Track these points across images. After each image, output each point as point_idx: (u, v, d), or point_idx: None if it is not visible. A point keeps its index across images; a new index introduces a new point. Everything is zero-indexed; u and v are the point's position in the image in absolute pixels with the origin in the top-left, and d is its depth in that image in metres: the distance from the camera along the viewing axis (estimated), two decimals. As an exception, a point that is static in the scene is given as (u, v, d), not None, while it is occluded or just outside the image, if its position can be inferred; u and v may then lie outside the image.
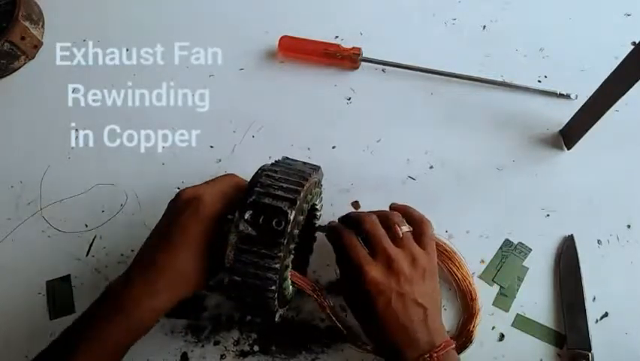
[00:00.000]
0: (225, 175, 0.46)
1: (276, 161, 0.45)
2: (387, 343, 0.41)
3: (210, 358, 0.50)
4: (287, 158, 0.46)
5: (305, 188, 0.41)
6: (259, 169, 0.44)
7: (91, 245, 0.55)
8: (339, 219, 0.48)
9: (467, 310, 0.50)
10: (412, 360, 0.39)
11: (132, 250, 0.54)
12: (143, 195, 0.57)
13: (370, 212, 0.46)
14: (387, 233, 0.44)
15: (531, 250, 0.53)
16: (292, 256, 0.42)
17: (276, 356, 0.50)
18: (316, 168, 0.46)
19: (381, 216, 0.45)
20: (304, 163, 0.46)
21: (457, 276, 0.51)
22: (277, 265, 0.39)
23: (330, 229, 0.47)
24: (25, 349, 0.51)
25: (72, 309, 0.53)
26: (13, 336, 0.52)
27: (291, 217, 0.39)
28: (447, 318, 0.50)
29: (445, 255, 0.51)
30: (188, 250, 0.40)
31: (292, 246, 0.42)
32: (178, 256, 0.40)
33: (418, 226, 0.46)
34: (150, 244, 0.42)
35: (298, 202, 0.39)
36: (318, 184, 0.48)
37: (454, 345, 0.41)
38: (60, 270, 0.54)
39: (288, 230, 0.39)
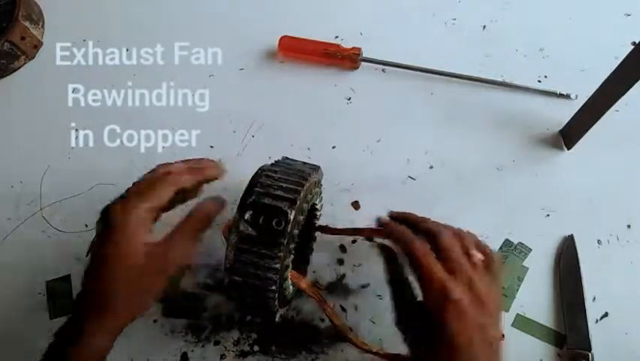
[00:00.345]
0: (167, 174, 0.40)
1: (275, 161, 0.45)
2: None
3: (210, 358, 0.50)
4: (287, 158, 0.46)
5: (305, 188, 0.41)
6: (259, 169, 0.44)
7: (91, 245, 0.55)
8: (393, 216, 0.43)
9: None
10: None
11: (132, 250, 0.54)
12: (143, 195, 0.57)
13: (445, 226, 0.41)
14: None
15: (531, 250, 0.53)
16: (292, 256, 0.42)
17: (276, 356, 0.50)
18: (316, 168, 0.46)
19: (456, 235, 0.40)
20: (304, 163, 0.46)
21: None
22: (277, 265, 0.39)
23: (394, 232, 0.40)
24: (25, 349, 0.51)
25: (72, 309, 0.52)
26: (13, 336, 0.52)
27: (291, 217, 0.39)
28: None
29: None
30: (116, 273, 0.37)
31: (292, 246, 0.42)
32: (104, 283, 0.37)
33: (487, 254, 0.40)
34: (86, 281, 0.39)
35: (298, 202, 0.39)
36: (318, 184, 0.48)
37: None
38: (60, 270, 0.54)
39: (288, 230, 0.39)
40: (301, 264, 0.51)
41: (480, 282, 0.36)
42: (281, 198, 0.39)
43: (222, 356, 0.50)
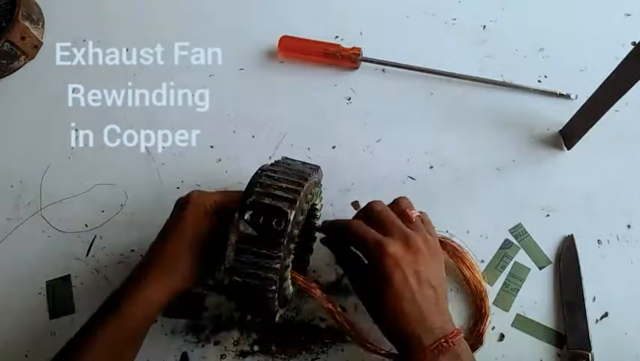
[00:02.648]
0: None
1: (275, 161, 0.45)
2: (400, 329, 0.40)
3: (210, 358, 0.50)
4: (286, 158, 0.46)
5: (305, 188, 0.41)
6: (258, 169, 0.44)
7: (91, 245, 0.55)
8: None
9: (477, 311, 0.50)
10: (427, 347, 0.38)
11: (132, 250, 0.54)
12: (143, 195, 0.57)
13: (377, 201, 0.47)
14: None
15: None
16: (292, 256, 0.42)
17: (276, 356, 0.50)
18: (316, 168, 0.46)
19: (391, 204, 0.47)
20: (303, 163, 0.46)
21: (467, 276, 0.50)
22: (277, 265, 0.39)
23: (333, 225, 0.47)
24: (25, 349, 0.51)
25: (72, 309, 0.53)
26: (13, 336, 0.52)
27: (291, 217, 0.39)
28: (455, 320, 0.50)
29: (457, 255, 0.51)
30: (179, 240, 0.43)
31: (292, 246, 0.41)
32: (169, 244, 0.43)
33: (422, 214, 0.47)
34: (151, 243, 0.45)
35: (298, 202, 0.39)
36: (318, 184, 0.48)
37: (462, 334, 0.41)
38: (60, 270, 0.54)
39: (288, 230, 0.39)
40: (301, 264, 0.51)
41: (416, 236, 0.42)
42: (281, 198, 0.39)
43: (222, 356, 0.50)
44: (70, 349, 0.40)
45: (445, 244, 0.51)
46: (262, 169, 0.43)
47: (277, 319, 0.44)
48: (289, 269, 0.43)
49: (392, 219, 0.43)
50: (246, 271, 0.39)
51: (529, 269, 0.52)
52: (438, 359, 0.38)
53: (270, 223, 0.39)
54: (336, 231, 0.47)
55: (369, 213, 0.45)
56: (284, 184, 0.41)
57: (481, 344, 0.48)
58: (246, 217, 0.39)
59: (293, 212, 0.39)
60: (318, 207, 0.50)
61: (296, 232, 0.41)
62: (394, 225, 0.43)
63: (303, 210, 0.42)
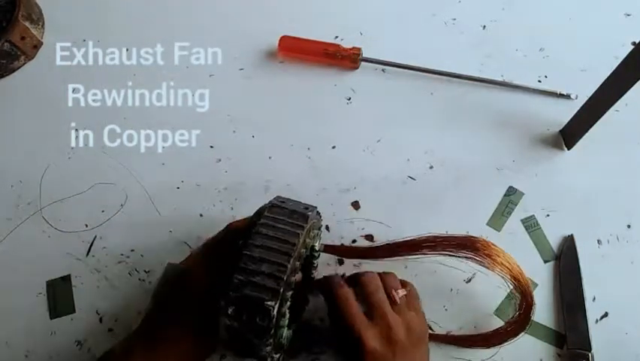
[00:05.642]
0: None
1: (264, 216, 0.40)
2: None
3: (210, 358, 0.50)
4: (275, 205, 0.42)
5: (291, 262, 0.38)
6: (241, 243, 0.39)
7: (91, 245, 0.55)
8: (344, 279, 0.46)
9: (523, 295, 0.48)
10: None
11: (132, 250, 0.54)
12: (143, 195, 0.57)
13: (370, 272, 0.45)
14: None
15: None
16: (285, 330, 0.41)
17: (276, 356, 0.50)
18: (309, 214, 0.41)
19: (375, 277, 0.45)
20: (292, 212, 0.41)
21: (507, 267, 0.48)
22: (269, 348, 0.38)
23: (327, 279, 0.45)
24: (25, 349, 0.51)
25: (72, 309, 0.52)
26: (13, 336, 0.52)
27: (275, 312, 0.37)
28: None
29: (492, 252, 0.48)
30: (186, 332, 0.40)
31: (283, 322, 0.40)
32: (177, 338, 0.40)
33: (409, 288, 0.46)
34: (151, 316, 0.43)
35: (282, 290, 0.37)
36: (316, 227, 0.45)
37: None
38: (60, 270, 0.54)
39: (273, 323, 0.37)
40: (299, 306, 0.49)
41: (399, 325, 0.41)
42: (263, 288, 0.37)
43: (222, 356, 0.50)
44: None
45: (478, 241, 0.48)
46: (242, 246, 0.39)
47: None
48: (285, 336, 0.41)
49: (380, 303, 0.42)
50: (239, 350, 0.39)
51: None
52: None
53: (253, 319, 0.36)
54: (325, 290, 0.45)
55: (361, 290, 0.43)
56: (265, 266, 0.37)
57: (529, 323, 0.47)
58: (229, 312, 0.37)
59: (276, 304, 0.36)
60: (317, 247, 0.47)
61: (284, 309, 0.39)
62: (380, 310, 0.42)
63: (291, 283, 0.39)
